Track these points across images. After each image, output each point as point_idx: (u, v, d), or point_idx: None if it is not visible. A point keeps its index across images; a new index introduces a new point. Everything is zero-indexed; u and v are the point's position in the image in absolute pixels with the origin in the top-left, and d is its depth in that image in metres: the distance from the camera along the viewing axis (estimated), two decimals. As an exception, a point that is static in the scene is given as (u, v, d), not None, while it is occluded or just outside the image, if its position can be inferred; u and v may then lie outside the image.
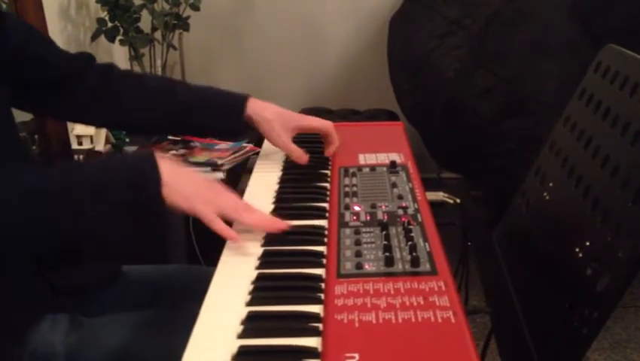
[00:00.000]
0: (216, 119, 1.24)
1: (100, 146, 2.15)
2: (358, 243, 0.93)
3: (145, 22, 2.50)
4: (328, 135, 1.29)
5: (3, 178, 0.88)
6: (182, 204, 0.93)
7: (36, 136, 1.99)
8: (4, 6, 1.99)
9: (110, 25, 2.42)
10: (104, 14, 2.41)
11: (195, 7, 2.53)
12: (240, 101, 1.25)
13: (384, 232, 0.94)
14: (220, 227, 0.94)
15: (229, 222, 0.98)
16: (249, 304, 0.81)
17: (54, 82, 1.19)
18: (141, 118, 1.25)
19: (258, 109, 1.25)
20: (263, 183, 1.20)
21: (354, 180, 1.15)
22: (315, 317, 0.77)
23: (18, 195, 0.86)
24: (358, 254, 0.89)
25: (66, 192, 0.88)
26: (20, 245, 0.91)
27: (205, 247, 2.14)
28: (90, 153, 2.10)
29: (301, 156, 1.25)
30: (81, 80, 1.21)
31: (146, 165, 0.92)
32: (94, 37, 2.44)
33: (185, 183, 0.95)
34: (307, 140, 1.33)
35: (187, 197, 0.94)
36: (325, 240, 0.96)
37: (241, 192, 1.17)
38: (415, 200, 1.05)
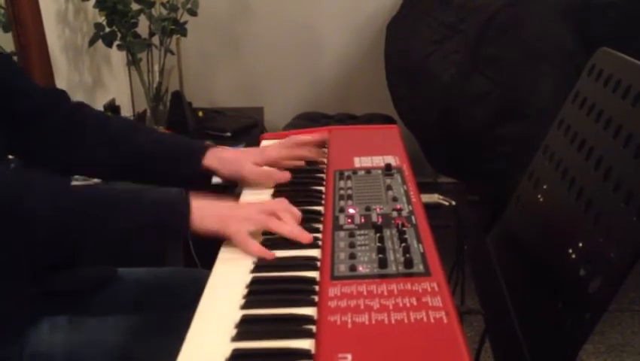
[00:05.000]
0: (176, 164, 1.21)
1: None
2: (352, 245, 0.93)
3: (143, 27, 2.51)
4: (298, 149, 1.27)
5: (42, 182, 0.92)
6: (214, 227, 0.96)
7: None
8: (1, 11, 2.00)
9: (107, 30, 2.42)
10: (102, 19, 2.42)
11: (192, 13, 2.53)
12: (200, 147, 1.22)
13: (378, 235, 0.94)
14: (253, 249, 0.94)
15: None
16: (243, 307, 0.82)
17: (27, 115, 1.15)
18: (103, 162, 1.20)
19: (217, 153, 1.22)
20: (259, 188, 1.20)
21: (349, 183, 1.16)
22: (308, 319, 0.77)
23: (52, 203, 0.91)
24: (352, 256, 0.89)
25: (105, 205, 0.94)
26: (41, 251, 0.94)
27: (201, 250, 2.14)
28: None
29: (282, 175, 1.20)
30: (53, 116, 1.18)
31: (176, 201, 0.96)
32: (92, 42, 2.44)
33: (216, 207, 0.98)
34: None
35: (218, 219, 0.96)
36: (320, 243, 0.96)
37: (237, 196, 1.17)
38: (409, 202, 1.06)
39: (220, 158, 1.20)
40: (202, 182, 1.23)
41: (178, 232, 0.95)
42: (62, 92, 1.24)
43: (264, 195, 1.16)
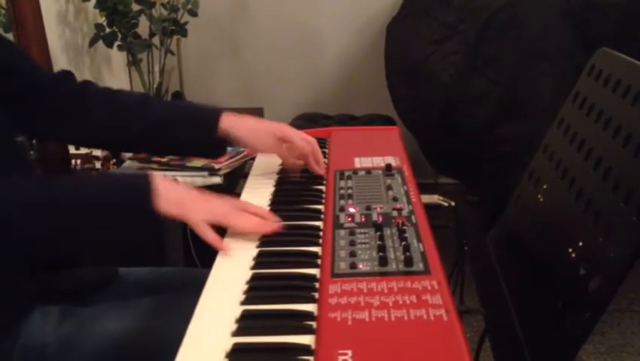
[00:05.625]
0: (190, 133, 1.20)
1: (98, 151, 2.15)
2: (352, 243, 0.93)
3: (143, 27, 2.51)
4: (313, 154, 1.24)
5: (4, 189, 0.93)
6: (174, 211, 0.96)
7: (34, 141, 2.00)
8: (2, 11, 2.00)
9: (108, 30, 2.43)
10: (102, 20, 2.42)
11: (193, 13, 2.54)
12: (214, 113, 1.20)
13: (378, 233, 0.95)
14: (208, 236, 0.97)
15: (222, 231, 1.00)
16: (244, 303, 0.82)
17: (23, 92, 1.16)
18: (114, 133, 1.21)
19: (234, 121, 1.20)
20: (260, 187, 1.21)
21: (349, 183, 1.16)
22: (308, 316, 0.78)
23: (18, 206, 0.92)
24: (353, 254, 0.90)
25: (66, 202, 0.95)
26: (17, 251, 0.95)
27: (201, 249, 2.14)
28: (88, 157, 2.11)
29: (294, 164, 1.24)
30: (53, 93, 1.19)
31: (141, 181, 0.97)
32: (92, 43, 2.45)
33: (177, 192, 0.99)
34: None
35: (179, 204, 0.97)
36: (320, 241, 0.97)
37: (237, 196, 1.18)
38: (409, 202, 1.06)
39: (237, 121, 1.21)
40: (219, 148, 1.23)
41: (141, 217, 0.97)
42: (69, 73, 1.26)
43: (264, 193, 1.17)
